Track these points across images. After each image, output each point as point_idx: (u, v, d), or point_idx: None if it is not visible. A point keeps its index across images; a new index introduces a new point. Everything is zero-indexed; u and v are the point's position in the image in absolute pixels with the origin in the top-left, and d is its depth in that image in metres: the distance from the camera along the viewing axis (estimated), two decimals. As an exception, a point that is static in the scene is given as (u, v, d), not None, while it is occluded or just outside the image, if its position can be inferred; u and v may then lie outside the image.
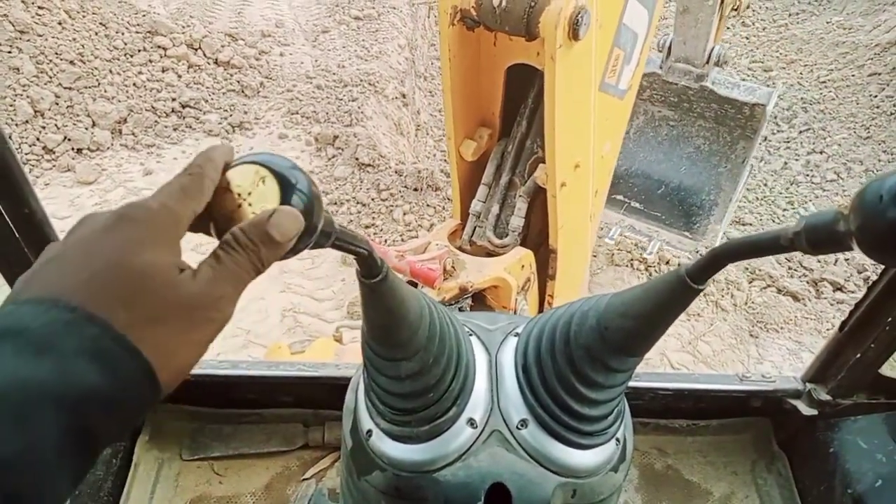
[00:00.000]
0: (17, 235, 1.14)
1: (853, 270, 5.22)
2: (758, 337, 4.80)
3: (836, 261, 5.30)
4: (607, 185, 2.67)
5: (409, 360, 0.85)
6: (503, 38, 1.99)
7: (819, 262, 5.31)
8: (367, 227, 5.37)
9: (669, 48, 4.04)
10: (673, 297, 0.74)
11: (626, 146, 4.67)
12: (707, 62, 3.95)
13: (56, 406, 0.40)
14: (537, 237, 2.45)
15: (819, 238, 0.57)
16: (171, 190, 0.53)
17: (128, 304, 0.46)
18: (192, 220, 0.53)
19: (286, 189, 0.55)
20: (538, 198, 2.27)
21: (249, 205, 0.55)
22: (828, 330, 4.81)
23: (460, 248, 2.34)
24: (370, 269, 0.72)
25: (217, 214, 0.55)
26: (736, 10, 3.78)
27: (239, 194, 0.55)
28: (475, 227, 2.36)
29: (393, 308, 0.78)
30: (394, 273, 0.76)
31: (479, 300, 2.27)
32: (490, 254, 2.33)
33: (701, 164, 4.49)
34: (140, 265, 0.48)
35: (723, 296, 4.92)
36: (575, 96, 1.96)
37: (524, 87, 2.21)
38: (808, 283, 5.17)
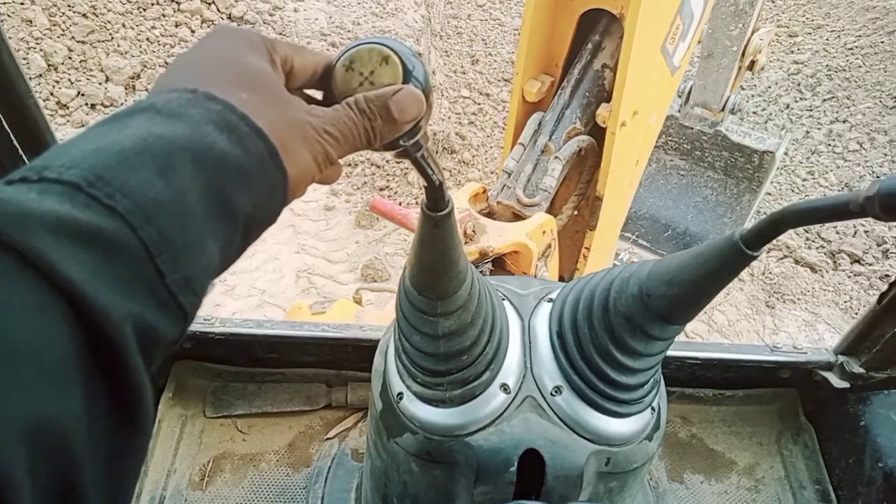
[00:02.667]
0: (13, 139, 1.07)
1: (872, 243, 5.14)
2: (774, 307, 4.77)
3: (855, 232, 5.23)
4: (647, 157, 2.70)
5: (448, 317, 0.83)
6: None
7: (838, 233, 5.23)
8: (381, 189, 5.33)
9: (689, 93, 4.28)
10: (724, 263, 0.71)
11: (637, 191, 4.96)
12: (723, 109, 4.17)
13: (194, 162, 0.40)
14: (560, 205, 2.45)
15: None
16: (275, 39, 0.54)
17: (245, 89, 0.46)
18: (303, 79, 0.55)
19: (406, 74, 0.55)
20: (572, 168, 2.29)
21: (371, 83, 0.55)
22: (845, 302, 4.77)
23: (485, 207, 2.33)
24: (437, 202, 0.70)
25: (337, 92, 0.56)
26: (751, 68, 3.94)
27: (361, 72, 0.55)
28: (504, 186, 2.35)
29: (447, 251, 0.76)
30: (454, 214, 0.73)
31: (499, 265, 2.25)
32: (515, 214, 2.31)
33: (707, 214, 4.68)
34: (251, 62, 0.49)
35: (740, 265, 4.88)
36: (647, 36, 2.01)
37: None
38: (825, 254, 5.11)
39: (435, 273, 0.78)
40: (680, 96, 4.36)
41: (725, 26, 3.64)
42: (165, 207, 0.38)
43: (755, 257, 0.68)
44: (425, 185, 0.68)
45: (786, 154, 6.28)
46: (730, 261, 0.70)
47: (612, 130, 2.16)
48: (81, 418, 0.33)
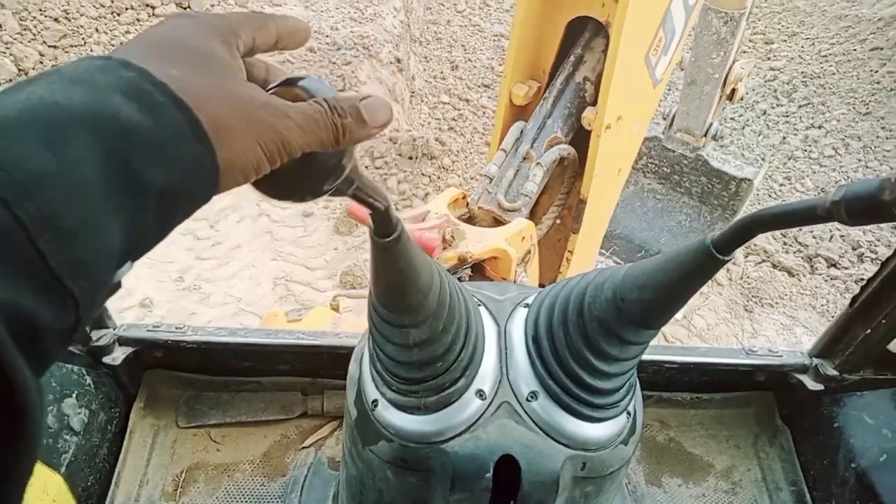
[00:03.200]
0: None
1: (848, 247, 5.23)
2: (752, 311, 4.82)
3: (832, 237, 5.31)
4: (629, 166, 2.75)
5: (418, 327, 0.82)
6: None
7: (814, 237, 5.32)
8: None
9: (673, 118, 4.45)
10: (696, 268, 0.71)
11: (614, 212, 5.15)
12: (705, 135, 4.35)
13: (92, 132, 0.36)
14: (541, 213, 2.46)
15: (860, 208, 0.54)
16: (233, 14, 0.52)
17: (177, 65, 0.42)
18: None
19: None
20: (552, 176, 2.31)
21: None
22: (822, 306, 4.84)
23: (465, 213, 2.34)
24: (385, 227, 0.69)
25: None
26: (730, 97, 4.09)
27: None
28: (485, 191, 2.36)
29: (404, 270, 0.75)
30: (407, 233, 0.72)
31: (478, 271, 2.25)
32: (496, 219, 2.32)
33: (680, 238, 4.79)
34: (200, 45, 0.45)
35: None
36: (632, 42, 2.05)
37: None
38: (802, 258, 5.19)
39: (395, 292, 0.78)
40: (665, 119, 4.53)
41: (707, 54, 3.76)
42: (50, 182, 0.34)
43: (726, 262, 0.68)
44: (370, 212, 0.66)
45: (763, 159, 6.37)
46: (702, 265, 0.70)
47: (598, 133, 2.19)
48: None
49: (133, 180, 0.38)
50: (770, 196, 6.00)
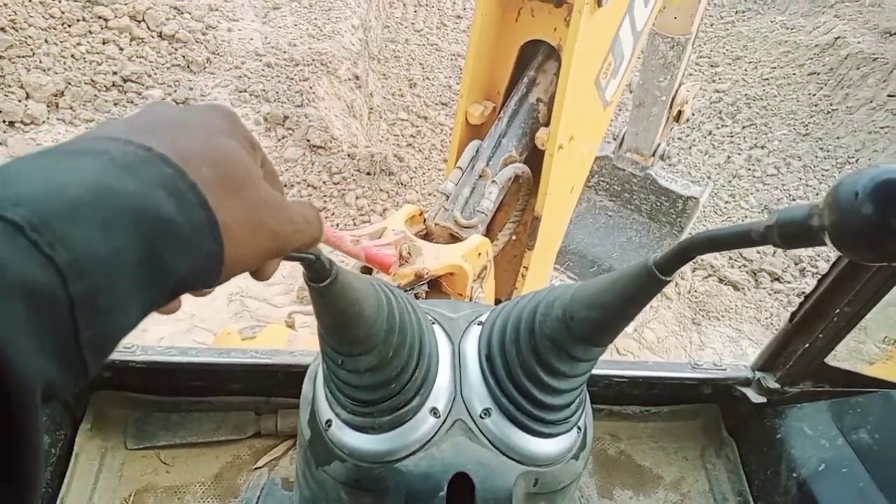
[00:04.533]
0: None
1: (790, 262, 5.44)
2: (700, 324, 4.96)
3: (774, 252, 5.51)
4: (581, 186, 2.82)
5: (367, 355, 0.82)
6: (525, 13, 2.17)
7: (758, 253, 5.51)
8: (318, 210, 5.28)
9: (623, 138, 4.60)
10: (640, 288, 0.74)
11: (567, 228, 5.30)
12: (653, 154, 4.50)
13: (137, 221, 0.40)
14: (497, 230, 2.49)
15: (792, 233, 0.57)
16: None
17: (207, 165, 0.46)
18: None
19: None
20: (507, 194, 2.34)
21: None
22: (766, 319, 5.01)
23: (422, 229, 2.35)
24: (318, 274, 0.69)
25: None
26: (677, 119, 4.23)
27: None
28: (441, 208, 2.38)
29: (345, 308, 0.75)
30: (344, 273, 0.73)
31: (435, 287, 2.26)
32: (452, 236, 2.34)
33: (631, 254, 4.95)
34: (230, 147, 0.49)
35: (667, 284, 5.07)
36: (584, 64, 2.11)
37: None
38: (747, 273, 5.37)
39: (339, 328, 0.79)
40: (615, 139, 4.67)
41: (655, 77, 3.89)
42: (100, 264, 0.37)
43: (668, 282, 0.71)
44: (302, 264, 0.67)
45: (709, 177, 6.58)
46: (645, 285, 0.73)
47: (551, 153, 2.24)
48: None
49: (160, 268, 0.42)
50: (716, 213, 6.21)
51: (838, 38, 7.78)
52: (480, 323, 1.01)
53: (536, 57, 2.32)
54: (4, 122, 5.32)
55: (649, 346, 4.68)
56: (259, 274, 0.59)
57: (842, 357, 1.36)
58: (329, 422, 0.93)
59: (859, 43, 7.56)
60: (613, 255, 4.99)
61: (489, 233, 2.43)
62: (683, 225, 4.77)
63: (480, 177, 2.37)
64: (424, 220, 2.39)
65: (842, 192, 0.52)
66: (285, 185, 5.41)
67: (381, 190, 5.47)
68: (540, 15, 2.12)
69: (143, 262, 0.40)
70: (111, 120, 0.49)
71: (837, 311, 1.23)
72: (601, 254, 5.02)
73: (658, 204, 4.81)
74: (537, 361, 0.86)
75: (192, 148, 0.46)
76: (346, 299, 0.74)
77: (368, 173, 5.50)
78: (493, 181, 2.28)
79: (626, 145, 4.60)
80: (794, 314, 1.34)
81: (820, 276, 1.27)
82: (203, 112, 0.51)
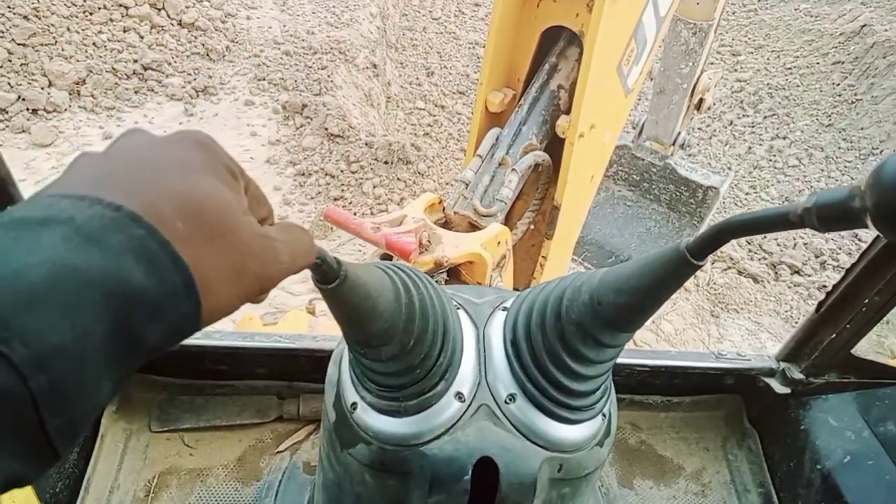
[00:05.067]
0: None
1: (811, 255, 5.37)
2: (718, 317, 4.92)
3: (795, 245, 5.45)
4: (601, 174, 2.79)
5: (388, 346, 0.82)
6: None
7: (778, 245, 5.45)
8: (336, 199, 5.29)
9: (643, 127, 4.52)
10: (671, 272, 0.73)
11: (585, 218, 5.15)
12: (673, 143, 4.40)
13: (104, 298, 0.38)
14: (516, 218, 2.49)
15: (831, 215, 0.56)
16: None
17: (183, 218, 0.43)
18: None
19: None
20: (525, 179, 2.30)
21: None
22: (786, 312, 4.96)
23: (441, 217, 2.35)
24: (326, 276, 0.68)
25: None
26: (698, 107, 4.16)
27: None
28: (461, 196, 2.37)
29: (358, 304, 0.74)
30: (354, 270, 0.72)
31: (454, 275, 2.26)
32: (471, 224, 2.33)
33: (649, 244, 4.89)
34: (207, 188, 0.46)
35: (686, 276, 5.03)
36: (606, 53, 2.08)
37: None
38: (767, 265, 5.31)
39: (353, 325, 0.78)
40: (634, 128, 4.60)
41: (676, 64, 3.83)
42: (64, 352, 0.35)
43: (700, 266, 0.70)
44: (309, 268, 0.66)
45: (729, 168, 6.50)
46: (676, 270, 0.72)
47: (571, 141, 2.22)
48: None
49: (132, 341, 0.40)
50: (736, 205, 6.14)
51: (864, 25, 7.63)
52: (505, 308, 1.00)
53: (558, 43, 2.30)
54: (28, 109, 5.38)
55: (667, 338, 4.65)
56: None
57: (863, 351, 1.34)
58: (354, 405, 0.93)
59: (886, 31, 7.40)
60: (632, 246, 4.93)
61: (508, 221, 2.42)
62: (703, 215, 4.70)
63: (500, 165, 2.35)
64: (444, 209, 2.39)
65: (885, 172, 0.51)
66: (303, 174, 5.43)
67: (398, 179, 5.47)
68: (562, 0, 2.09)
69: (112, 338, 0.39)
70: (84, 155, 0.46)
71: (867, 300, 1.21)
72: (620, 244, 4.97)
73: (678, 194, 4.74)
74: (563, 347, 0.86)
75: (164, 198, 0.43)
76: (358, 296, 0.73)
77: (386, 162, 5.51)
78: (513, 169, 2.27)
79: (646, 134, 4.53)
80: (821, 303, 1.32)
81: (849, 265, 1.25)
82: (177, 147, 0.48)
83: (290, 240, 0.52)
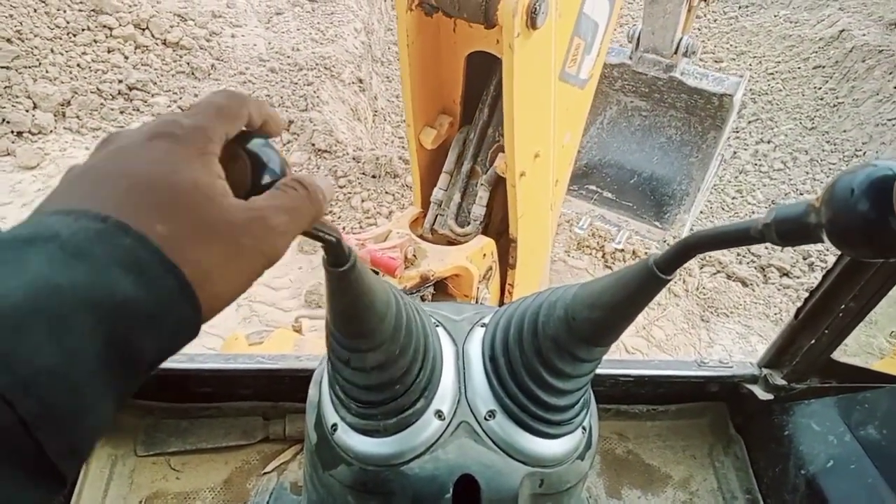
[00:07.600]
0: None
1: (799, 257, 5.41)
2: (708, 321, 4.94)
3: (783, 247, 5.48)
4: (568, 174, 2.70)
5: (375, 351, 0.83)
6: (463, 24, 1.97)
7: (766, 248, 5.48)
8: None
9: (638, 39, 4.08)
10: (641, 287, 0.74)
11: (599, 136, 4.72)
12: (675, 52, 3.99)
13: (93, 314, 0.37)
14: (499, 225, 2.47)
15: (789, 230, 0.57)
16: (205, 109, 0.50)
17: (164, 218, 0.42)
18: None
19: (259, 169, 0.54)
20: (500, 186, 2.28)
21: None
22: (775, 314, 4.99)
23: (422, 237, 2.34)
24: (338, 258, 0.70)
25: None
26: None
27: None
28: (437, 216, 2.36)
29: (359, 297, 0.76)
30: (361, 261, 0.74)
31: (441, 288, 2.27)
32: (452, 242, 2.33)
33: (673, 154, 4.56)
34: (181, 181, 0.45)
35: (675, 281, 5.04)
36: (534, 85, 1.96)
37: (485, 75, 2.21)
38: (756, 269, 5.34)
39: (350, 318, 0.79)
40: (630, 41, 4.17)
41: None
42: (53, 374, 0.35)
43: (668, 281, 0.71)
44: (322, 245, 0.67)
45: (714, 173, 6.55)
46: (646, 285, 0.73)
47: (512, 183, 2.10)
48: None
49: (129, 355, 0.39)
50: (723, 209, 6.18)
51: (843, 30, 7.74)
52: (484, 325, 1.01)
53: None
54: (13, 132, 5.37)
55: (658, 343, 4.66)
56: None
57: (852, 352, 1.36)
58: (335, 426, 0.93)
59: (864, 35, 7.51)
60: (654, 159, 4.57)
61: (489, 230, 2.40)
62: (725, 118, 4.26)
63: (470, 177, 2.32)
64: (424, 225, 2.38)
65: (838, 189, 0.53)
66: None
67: (386, 192, 5.48)
68: (477, 27, 1.90)
69: (108, 353, 0.38)
70: (72, 168, 0.45)
71: (843, 306, 1.22)
72: (640, 160, 4.60)
73: (692, 102, 4.31)
74: (540, 362, 0.86)
75: (147, 199, 0.43)
76: (360, 287, 0.74)
77: (374, 176, 5.52)
78: (482, 184, 2.25)
79: (643, 46, 4.09)
80: (799, 310, 1.33)
81: (825, 272, 1.27)
82: (146, 144, 0.46)
83: (280, 204, 0.50)
